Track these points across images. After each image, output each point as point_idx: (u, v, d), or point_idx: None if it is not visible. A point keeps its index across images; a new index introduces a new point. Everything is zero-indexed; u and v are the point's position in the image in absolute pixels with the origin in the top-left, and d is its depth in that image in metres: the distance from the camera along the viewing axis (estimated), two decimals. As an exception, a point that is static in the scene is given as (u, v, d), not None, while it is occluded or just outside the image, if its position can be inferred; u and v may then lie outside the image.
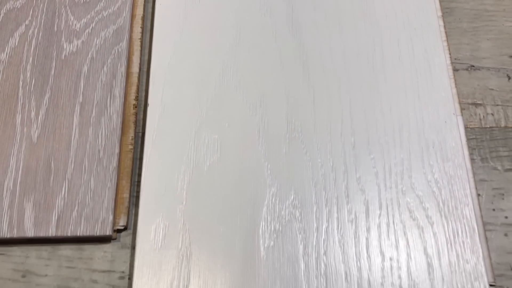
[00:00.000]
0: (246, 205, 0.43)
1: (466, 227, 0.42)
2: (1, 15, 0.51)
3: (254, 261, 0.41)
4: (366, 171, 0.44)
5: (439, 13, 0.51)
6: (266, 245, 0.41)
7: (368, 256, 0.41)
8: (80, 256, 0.44)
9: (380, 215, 0.43)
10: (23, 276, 0.43)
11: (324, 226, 0.42)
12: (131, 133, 0.47)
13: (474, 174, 0.46)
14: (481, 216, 0.44)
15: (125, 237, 0.45)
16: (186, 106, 0.47)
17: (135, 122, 0.48)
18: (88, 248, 0.44)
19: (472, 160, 0.47)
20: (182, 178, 0.44)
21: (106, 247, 0.44)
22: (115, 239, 0.44)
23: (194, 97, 0.47)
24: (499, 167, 0.47)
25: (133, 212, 0.45)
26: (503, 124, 0.49)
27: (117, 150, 0.45)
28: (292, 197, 0.43)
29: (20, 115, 0.47)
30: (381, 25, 0.50)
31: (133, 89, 0.49)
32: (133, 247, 0.44)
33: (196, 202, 0.43)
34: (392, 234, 0.42)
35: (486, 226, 0.45)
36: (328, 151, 0.45)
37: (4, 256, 0.44)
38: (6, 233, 0.42)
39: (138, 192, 0.45)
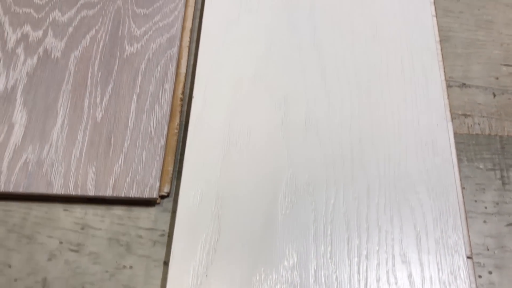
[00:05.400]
0: (268, 180, 0.52)
1: (450, 210, 0.51)
2: (77, 20, 0.62)
3: (273, 224, 0.50)
4: (369, 158, 0.53)
5: (437, 39, 0.61)
6: (283, 212, 0.50)
7: (367, 228, 0.50)
8: (129, 215, 0.53)
9: (378, 195, 0.51)
10: (82, 228, 0.53)
11: (332, 201, 0.51)
12: (177, 120, 0.57)
13: (460, 170, 0.55)
14: (464, 204, 0.52)
15: (167, 203, 0.54)
16: (223, 101, 0.57)
17: (181, 112, 0.58)
18: (136, 210, 0.54)
19: (459, 160, 0.56)
20: (217, 156, 0.54)
21: (151, 209, 0.54)
22: (159, 203, 0.54)
23: (230, 95, 0.57)
24: (482, 167, 0.56)
25: (175, 183, 0.55)
26: (487, 132, 0.58)
27: (165, 132, 0.55)
28: (306, 177, 0.52)
29: (87, 100, 0.57)
30: (388, 45, 0.61)
31: (180, 86, 0.59)
32: (173, 211, 0.53)
33: (228, 175, 0.52)
34: (388, 210, 0.51)
35: (468, 214, 0.53)
36: (338, 140, 0.54)
37: (68, 212, 0.53)
38: (72, 191, 0.52)
39: (180, 167, 0.55)
